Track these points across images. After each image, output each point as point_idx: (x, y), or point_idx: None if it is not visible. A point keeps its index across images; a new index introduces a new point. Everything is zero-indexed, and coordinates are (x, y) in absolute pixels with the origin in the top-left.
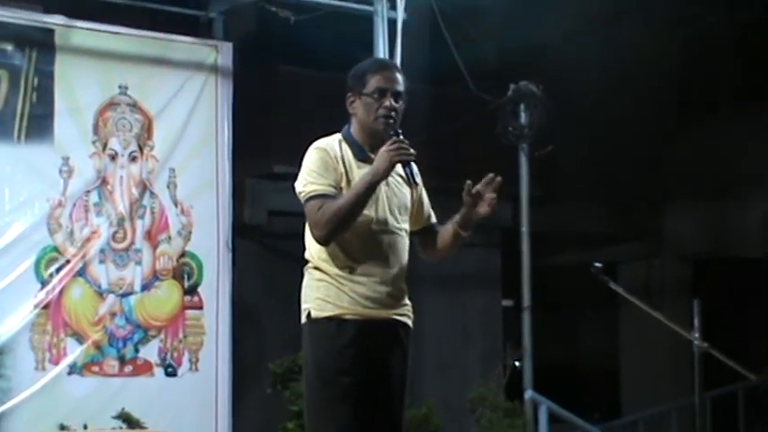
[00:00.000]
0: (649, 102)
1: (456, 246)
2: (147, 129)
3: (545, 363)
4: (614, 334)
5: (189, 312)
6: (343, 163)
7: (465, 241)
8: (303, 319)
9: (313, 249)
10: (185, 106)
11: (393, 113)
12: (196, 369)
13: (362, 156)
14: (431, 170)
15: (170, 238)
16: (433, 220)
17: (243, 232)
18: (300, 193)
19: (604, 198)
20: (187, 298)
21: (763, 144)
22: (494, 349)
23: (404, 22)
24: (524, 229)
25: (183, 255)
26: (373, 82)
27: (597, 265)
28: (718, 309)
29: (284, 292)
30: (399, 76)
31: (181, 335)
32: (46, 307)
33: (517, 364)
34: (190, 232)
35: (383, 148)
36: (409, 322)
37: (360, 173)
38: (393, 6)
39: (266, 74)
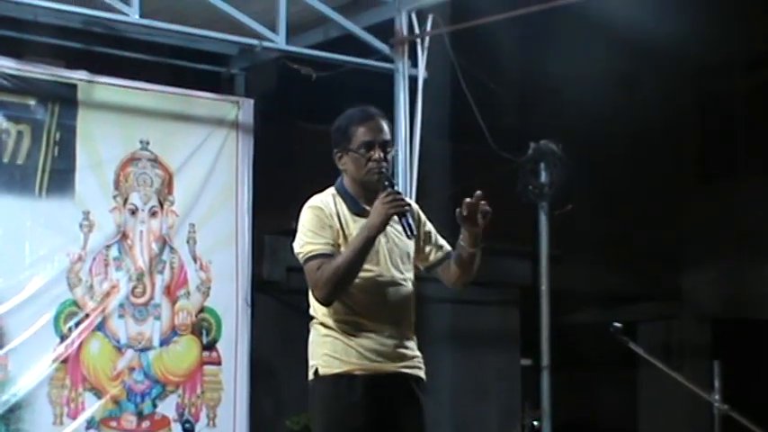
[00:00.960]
0: (668, 160)
1: (474, 264)
2: (168, 184)
3: (564, 422)
4: (633, 394)
5: (207, 368)
6: (339, 218)
7: (480, 247)
8: (311, 376)
9: (317, 305)
10: (206, 162)
11: (384, 164)
12: (214, 425)
13: (358, 209)
14: (450, 227)
15: (189, 293)
16: (447, 248)
17: (262, 288)
18: (299, 254)
19: (623, 257)
20: (205, 353)
21: None
22: (512, 408)
23: (425, 80)
24: (544, 287)
25: (201, 310)
26: (359, 135)
27: (616, 324)
28: (739, 370)
29: (302, 348)
30: (384, 124)
31: (199, 390)
32: (65, 361)
33: (536, 423)
34: (209, 288)
35: (377, 202)
36: (421, 374)
37: (356, 227)
38: (414, 64)
39: (287, 130)
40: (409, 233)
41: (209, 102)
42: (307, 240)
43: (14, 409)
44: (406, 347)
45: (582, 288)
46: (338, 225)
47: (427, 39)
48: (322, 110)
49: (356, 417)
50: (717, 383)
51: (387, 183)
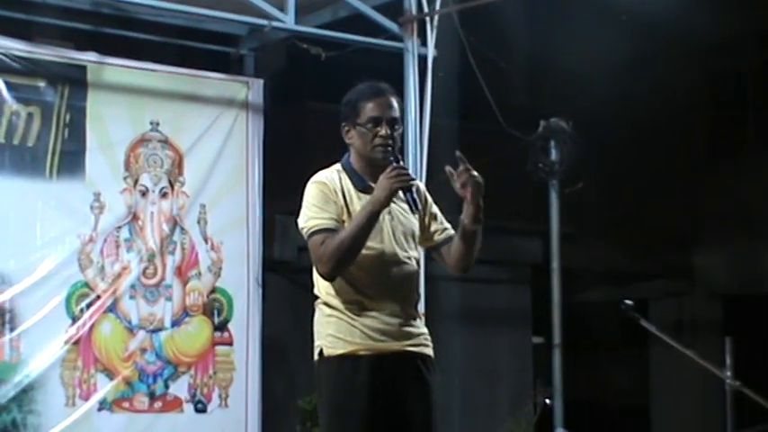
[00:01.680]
0: (679, 138)
1: (475, 244)
2: (178, 165)
3: (575, 400)
4: (645, 371)
5: (219, 348)
6: (344, 194)
7: (480, 225)
8: (315, 357)
9: (321, 284)
10: (216, 142)
11: (390, 141)
12: (226, 405)
13: (363, 186)
14: (459, 206)
15: (200, 273)
16: (451, 231)
17: (273, 268)
18: (303, 228)
19: (634, 235)
20: (217, 334)
21: None
22: (523, 387)
23: (434, 59)
24: (555, 265)
25: (213, 291)
26: (367, 111)
27: (628, 302)
28: (750, 347)
29: (313, 327)
30: (394, 101)
31: (211, 371)
32: (76, 343)
33: (547, 401)
34: (220, 268)
35: (382, 176)
36: (428, 351)
37: (360, 203)
38: (424, 43)
39: (297, 110)
40: (414, 208)
41: (219, 82)
42: (311, 215)
43: (27, 391)
44: (412, 325)
45: (593, 266)
46: (342, 201)
47: (436, 17)
48: (331, 89)
49: (361, 399)
50: (728, 360)
51: (392, 159)
